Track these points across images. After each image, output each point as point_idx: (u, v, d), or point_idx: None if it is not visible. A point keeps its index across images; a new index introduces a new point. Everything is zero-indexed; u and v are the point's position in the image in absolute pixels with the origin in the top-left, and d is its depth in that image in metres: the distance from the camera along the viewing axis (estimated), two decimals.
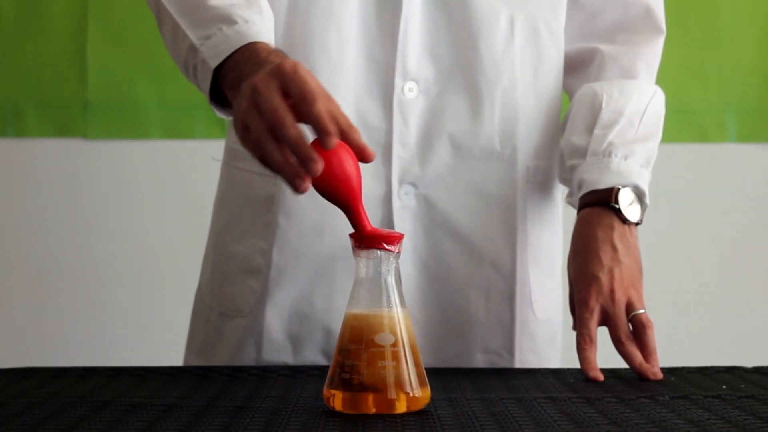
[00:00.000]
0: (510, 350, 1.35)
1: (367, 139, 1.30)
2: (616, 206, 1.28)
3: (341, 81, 1.30)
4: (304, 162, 0.96)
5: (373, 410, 0.97)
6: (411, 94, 1.31)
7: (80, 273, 2.50)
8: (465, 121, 1.32)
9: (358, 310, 0.99)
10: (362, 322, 0.98)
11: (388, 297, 0.99)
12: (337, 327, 1.02)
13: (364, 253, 0.99)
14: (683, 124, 2.55)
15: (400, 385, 0.97)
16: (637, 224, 1.29)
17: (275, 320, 1.33)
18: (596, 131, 1.33)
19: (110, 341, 2.49)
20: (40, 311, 2.49)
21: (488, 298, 1.34)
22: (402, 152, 1.31)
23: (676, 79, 2.50)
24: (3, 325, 2.50)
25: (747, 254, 2.59)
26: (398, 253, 0.99)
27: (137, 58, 2.45)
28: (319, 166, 0.96)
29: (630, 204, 1.29)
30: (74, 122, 2.48)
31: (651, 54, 1.40)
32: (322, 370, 1.20)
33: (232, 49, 1.11)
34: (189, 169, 2.45)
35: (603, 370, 1.22)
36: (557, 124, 1.39)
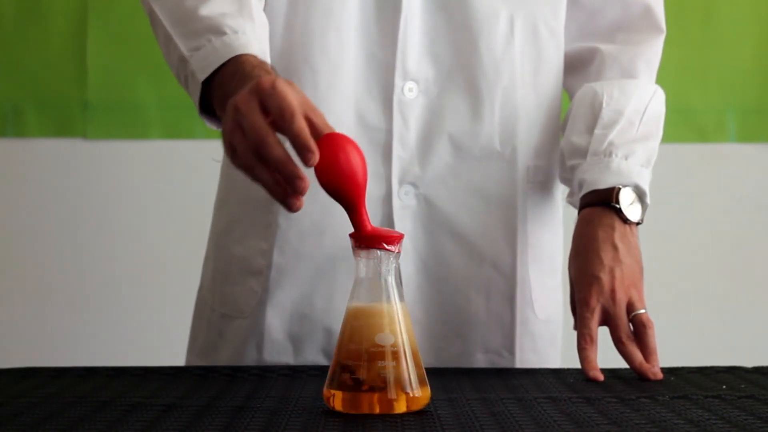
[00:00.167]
0: (510, 350, 1.35)
1: (367, 139, 1.30)
2: (617, 206, 1.28)
3: (341, 81, 1.30)
4: (290, 180, 0.96)
5: (373, 410, 0.97)
6: (411, 94, 1.31)
7: (80, 273, 2.49)
8: (465, 121, 1.32)
9: (359, 310, 0.99)
10: (362, 322, 0.98)
11: (388, 297, 0.99)
12: (337, 327, 1.02)
13: (364, 253, 0.99)
14: (683, 124, 2.55)
15: (400, 385, 0.97)
16: (637, 224, 1.29)
17: (276, 321, 1.33)
18: (597, 131, 1.33)
19: (110, 341, 2.49)
20: (40, 311, 2.49)
21: (488, 298, 1.34)
22: (402, 152, 1.31)
23: (676, 79, 2.50)
24: (3, 325, 2.50)
25: (747, 254, 2.59)
26: (398, 253, 0.99)
27: (137, 58, 2.45)
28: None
29: (631, 204, 1.29)
30: (74, 122, 2.48)
31: (651, 53, 1.40)
32: (322, 370, 1.20)
33: (220, 62, 1.11)
34: (189, 169, 2.45)
35: (603, 370, 1.22)
36: (557, 124, 1.39)
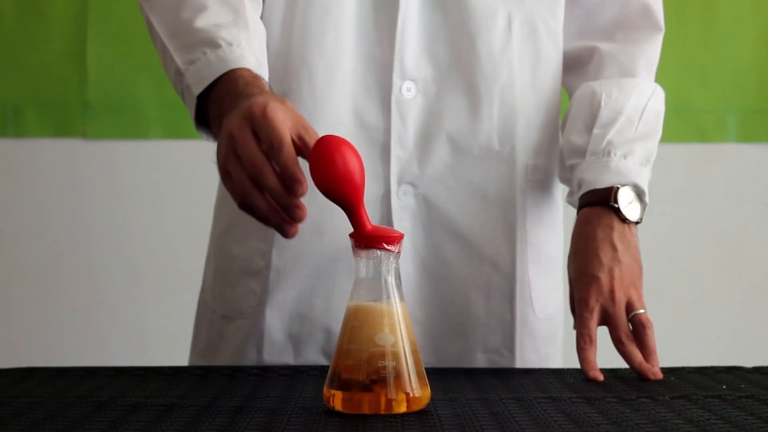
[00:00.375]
0: (511, 349, 1.35)
1: (365, 138, 1.31)
2: (616, 205, 1.28)
3: (339, 81, 1.30)
4: (287, 209, 0.98)
5: (373, 410, 0.97)
6: (409, 93, 1.31)
7: (80, 273, 2.49)
8: (463, 121, 1.32)
9: (359, 310, 0.99)
10: (362, 322, 0.98)
11: (388, 297, 0.99)
12: (337, 327, 1.02)
13: (363, 252, 0.99)
14: (683, 124, 2.55)
15: (400, 385, 0.97)
16: (637, 223, 1.29)
17: (276, 321, 1.33)
18: (595, 130, 1.33)
19: (110, 341, 2.49)
20: (40, 311, 2.49)
21: (488, 297, 1.34)
22: (400, 152, 1.31)
23: (676, 79, 2.50)
24: (3, 325, 2.50)
25: (747, 254, 2.59)
26: (398, 252, 0.99)
27: (137, 58, 2.45)
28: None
29: (629, 203, 1.29)
30: (74, 122, 2.48)
31: (650, 51, 1.40)
32: (322, 370, 1.20)
33: (214, 77, 1.12)
34: (189, 169, 2.45)
35: (603, 370, 1.22)
36: (556, 123, 1.39)
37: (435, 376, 1.10)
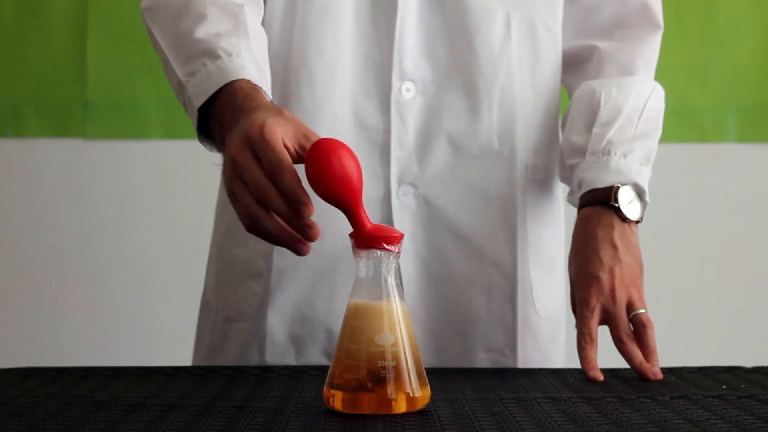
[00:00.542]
0: (513, 348, 1.35)
1: (365, 139, 1.31)
2: (616, 205, 1.28)
3: (338, 82, 1.30)
4: (299, 230, 0.98)
5: (373, 410, 0.97)
6: (408, 94, 1.31)
7: (80, 273, 2.49)
8: (463, 120, 1.32)
9: (359, 309, 0.99)
10: (362, 322, 0.98)
11: (389, 297, 0.99)
12: (339, 328, 1.02)
13: (364, 253, 0.99)
14: (683, 124, 2.55)
15: (400, 385, 0.97)
16: (637, 222, 1.29)
17: (277, 323, 1.33)
18: (595, 129, 1.33)
19: (110, 341, 2.49)
20: (40, 311, 2.49)
21: (489, 297, 1.34)
22: (400, 152, 1.31)
23: (676, 79, 2.50)
24: (3, 325, 2.50)
25: (747, 254, 2.59)
26: (398, 252, 0.99)
27: (137, 58, 2.45)
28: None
29: (630, 202, 1.29)
30: (74, 122, 2.48)
31: (649, 50, 1.40)
32: (322, 370, 1.20)
33: (215, 88, 1.12)
34: (189, 170, 2.45)
35: (603, 370, 1.22)
36: (556, 122, 1.39)
37: (435, 376, 1.10)
